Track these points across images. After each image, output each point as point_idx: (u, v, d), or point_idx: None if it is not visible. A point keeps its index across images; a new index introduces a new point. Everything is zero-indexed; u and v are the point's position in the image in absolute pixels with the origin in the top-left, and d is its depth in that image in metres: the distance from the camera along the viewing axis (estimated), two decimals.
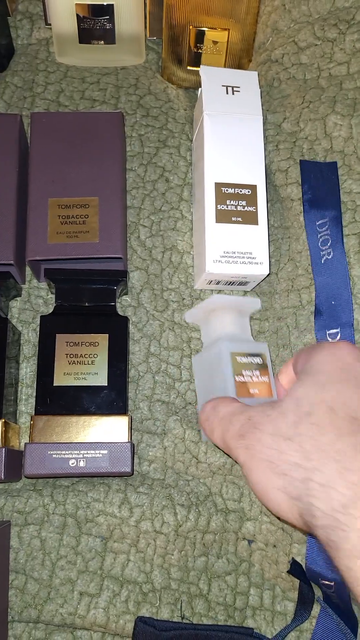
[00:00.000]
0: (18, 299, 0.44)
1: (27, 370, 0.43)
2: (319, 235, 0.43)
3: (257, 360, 0.37)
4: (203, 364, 0.41)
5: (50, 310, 0.42)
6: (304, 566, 0.38)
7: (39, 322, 0.43)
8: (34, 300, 0.44)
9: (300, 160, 0.44)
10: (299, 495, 0.25)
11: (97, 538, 0.39)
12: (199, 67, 0.50)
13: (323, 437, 0.25)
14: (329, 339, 0.42)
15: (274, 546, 0.40)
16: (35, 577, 0.39)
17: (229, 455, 0.35)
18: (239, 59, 0.51)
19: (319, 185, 0.44)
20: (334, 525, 0.24)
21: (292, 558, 0.38)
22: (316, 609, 0.38)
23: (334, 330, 0.40)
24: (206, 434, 0.33)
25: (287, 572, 0.38)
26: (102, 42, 0.50)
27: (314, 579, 0.37)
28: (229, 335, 0.39)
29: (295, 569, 0.38)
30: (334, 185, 0.43)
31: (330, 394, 0.27)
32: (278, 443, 0.27)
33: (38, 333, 0.43)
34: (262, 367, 0.37)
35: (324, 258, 0.42)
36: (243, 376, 0.36)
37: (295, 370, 0.32)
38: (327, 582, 0.36)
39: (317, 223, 0.44)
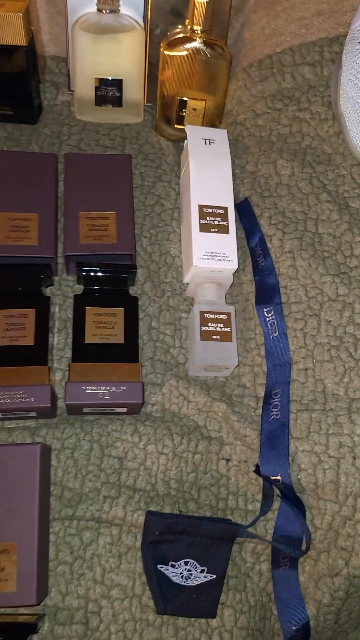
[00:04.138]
0: (51, 287, 0.59)
1: (60, 340, 0.57)
2: (256, 252, 0.60)
3: (223, 316, 0.54)
4: (189, 321, 0.57)
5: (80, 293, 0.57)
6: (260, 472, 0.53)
7: (68, 304, 0.58)
8: (64, 288, 0.59)
9: (235, 205, 0.61)
10: None
11: (115, 458, 0.53)
12: (183, 126, 0.68)
13: None
14: (266, 314, 0.57)
15: (245, 461, 0.54)
16: (70, 487, 0.52)
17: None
18: (212, 121, 0.69)
19: (247, 219, 0.61)
20: None
21: (256, 464, 0.53)
22: (277, 505, 0.53)
23: (269, 308, 0.57)
24: None
25: (254, 471, 0.53)
26: (112, 105, 0.67)
27: (267, 480, 0.52)
28: (205, 300, 0.56)
29: (259, 470, 0.52)
30: (252, 216, 0.61)
31: None
32: None
33: (68, 311, 0.58)
34: (226, 321, 0.54)
35: (260, 265, 0.59)
36: (208, 327, 0.53)
37: None
38: (275, 478, 0.51)
39: (252, 245, 0.61)
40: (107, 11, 0.61)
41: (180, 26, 0.63)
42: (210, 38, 0.60)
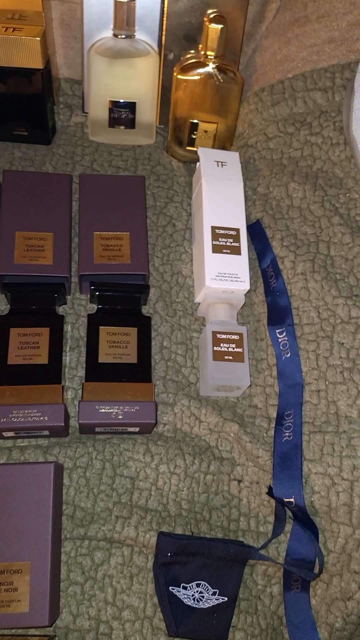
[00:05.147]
0: (64, 306, 0.59)
1: (72, 358, 0.57)
2: (268, 274, 0.61)
3: (235, 337, 0.54)
4: (201, 341, 0.57)
5: (92, 312, 0.58)
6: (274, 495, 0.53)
7: (81, 322, 0.58)
8: (76, 307, 0.59)
9: (247, 226, 0.62)
10: None
11: (127, 478, 0.53)
12: (194, 147, 0.69)
13: None
14: (278, 335, 0.58)
15: (257, 483, 0.54)
16: (82, 506, 0.52)
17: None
18: (223, 144, 0.70)
19: (258, 240, 0.62)
20: None
21: (269, 485, 0.53)
22: (289, 527, 0.53)
23: (281, 329, 0.57)
24: None
25: (267, 493, 0.52)
26: (125, 127, 0.69)
27: (280, 502, 0.52)
28: (218, 321, 0.56)
29: (271, 491, 0.52)
30: (264, 237, 0.61)
31: None
32: None
33: (80, 330, 0.58)
34: (238, 342, 0.54)
35: (272, 286, 0.60)
36: (220, 347, 0.53)
37: None
38: (288, 500, 0.51)
39: (264, 267, 0.62)
40: (123, 36, 0.62)
41: (193, 51, 0.64)
42: (222, 63, 0.62)
